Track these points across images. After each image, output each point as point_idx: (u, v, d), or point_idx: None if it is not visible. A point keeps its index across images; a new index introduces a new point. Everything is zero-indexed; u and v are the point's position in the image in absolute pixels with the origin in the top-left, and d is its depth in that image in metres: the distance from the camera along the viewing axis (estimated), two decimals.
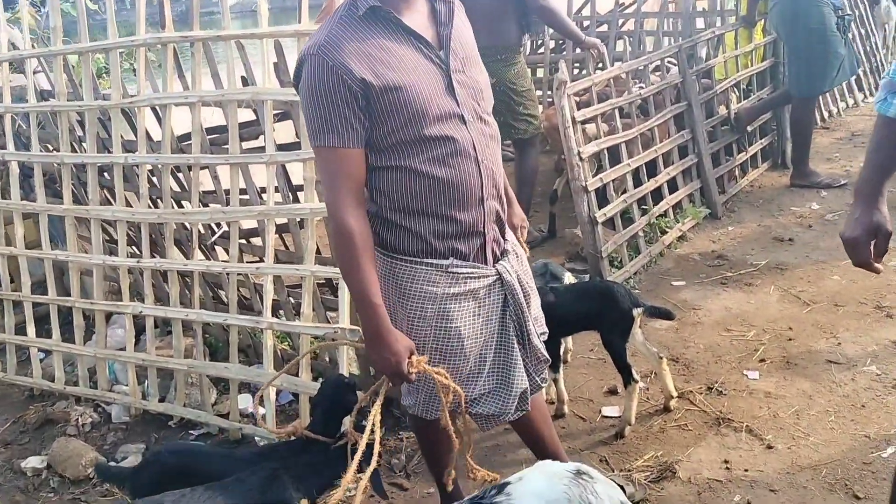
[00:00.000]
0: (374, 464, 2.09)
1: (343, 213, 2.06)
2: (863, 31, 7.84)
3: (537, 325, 2.44)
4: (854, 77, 6.41)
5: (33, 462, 3.49)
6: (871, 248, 1.90)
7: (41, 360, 4.23)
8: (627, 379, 3.18)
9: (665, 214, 5.12)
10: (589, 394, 3.58)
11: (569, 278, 3.66)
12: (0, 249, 4.23)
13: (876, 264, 1.92)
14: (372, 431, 2.12)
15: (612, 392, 3.57)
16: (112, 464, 3.32)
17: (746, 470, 2.95)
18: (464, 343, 2.23)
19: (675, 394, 3.36)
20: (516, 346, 2.32)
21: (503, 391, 2.32)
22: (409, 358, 2.11)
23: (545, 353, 2.41)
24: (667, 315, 3.52)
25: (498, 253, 2.31)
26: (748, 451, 3.06)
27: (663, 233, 5.01)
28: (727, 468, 2.98)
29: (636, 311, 3.21)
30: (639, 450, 3.14)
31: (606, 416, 3.41)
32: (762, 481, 2.88)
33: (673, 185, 5.29)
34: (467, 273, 2.21)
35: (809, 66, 5.55)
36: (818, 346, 3.73)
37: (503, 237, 2.35)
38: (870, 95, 7.92)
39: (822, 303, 4.13)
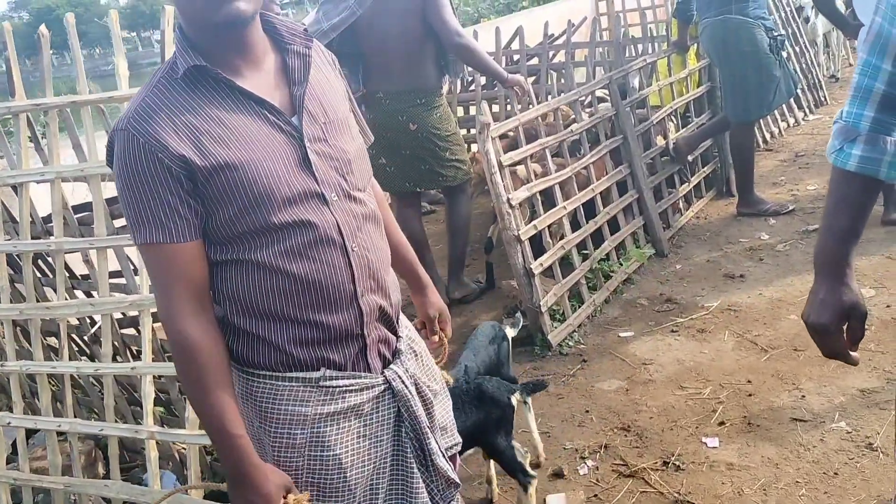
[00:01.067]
0: None
1: (181, 325, 1.61)
2: (797, 49, 7.71)
3: (445, 438, 1.99)
4: (792, 97, 6.18)
5: None
6: (844, 334, 1.50)
7: None
8: (525, 480, 2.73)
9: (608, 258, 4.76)
10: None
11: (514, 333, 3.38)
12: None
13: (852, 354, 1.52)
14: None
15: (559, 475, 3.13)
16: None
17: None
18: (346, 474, 1.76)
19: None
20: (416, 470, 1.85)
21: None
22: (285, 497, 1.66)
23: (454, 475, 1.95)
24: (542, 386, 3.09)
25: (388, 355, 1.86)
26: None
27: (607, 277, 4.64)
28: None
29: (514, 398, 2.79)
30: None
31: None
32: None
33: (614, 225, 4.94)
34: (345, 385, 1.75)
35: (745, 90, 5.30)
36: (781, 402, 3.36)
37: (394, 334, 1.90)
38: (809, 113, 7.78)
39: (780, 348, 3.78)
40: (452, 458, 2.07)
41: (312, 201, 1.69)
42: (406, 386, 1.84)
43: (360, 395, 1.78)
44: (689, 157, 5.75)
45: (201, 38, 1.66)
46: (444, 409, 2.04)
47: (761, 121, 6.69)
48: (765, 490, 2.86)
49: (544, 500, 3.00)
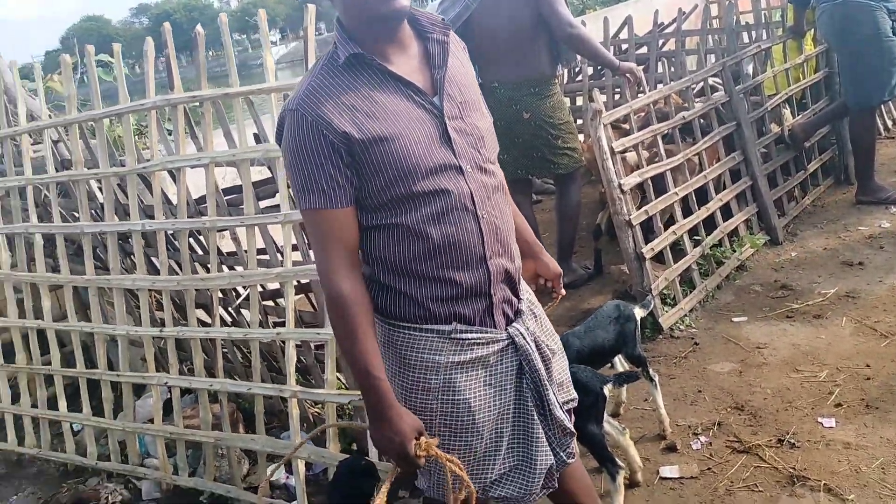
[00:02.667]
0: None
1: (336, 280, 1.86)
2: None
3: (562, 393, 2.17)
4: None
5: None
6: None
7: (74, 435, 4.13)
8: (613, 470, 2.76)
9: (720, 244, 4.76)
10: (644, 451, 3.23)
11: (642, 314, 3.44)
12: (28, 323, 4.17)
13: None
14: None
15: (672, 449, 3.22)
16: None
17: None
18: (475, 416, 1.98)
19: (638, 468, 3.02)
20: (536, 418, 2.04)
21: (525, 469, 2.05)
22: (417, 439, 1.87)
23: (570, 424, 2.13)
24: (633, 377, 3.13)
25: (510, 314, 2.05)
26: None
27: (719, 264, 4.65)
28: None
29: (606, 389, 2.84)
30: None
31: (665, 478, 3.07)
32: None
33: (727, 212, 4.93)
34: (473, 339, 1.96)
35: (865, 75, 5.16)
36: None
37: (517, 297, 2.09)
38: None
39: None
40: (569, 412, 2.24)
41: (450, 172, 1.90)
42: (527, 342, 2.04)
43: (486, 348, 1.98)
44: (806, 144, 5.64)
45: (359, 30, 1.90)
46: (560, 367, 2.22)
47: (882, 107, 6.47)
48: (883, 469, 2.86)
49: (657, 472, 3.11)
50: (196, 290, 3.52)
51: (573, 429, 2.16)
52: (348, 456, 2.67)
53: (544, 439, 2.07)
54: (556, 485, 2.15)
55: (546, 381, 2.07)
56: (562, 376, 2.21)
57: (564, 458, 2.15)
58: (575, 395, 2.27)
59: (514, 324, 2.05)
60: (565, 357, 2.26)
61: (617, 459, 2.83)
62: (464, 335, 1.96)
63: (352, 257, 1.90)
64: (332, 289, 1.87)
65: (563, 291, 2.43)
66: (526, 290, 2.17)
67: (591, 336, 3.15)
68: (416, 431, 1.88)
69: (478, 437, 2.01)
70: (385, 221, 1.90)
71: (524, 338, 2.04)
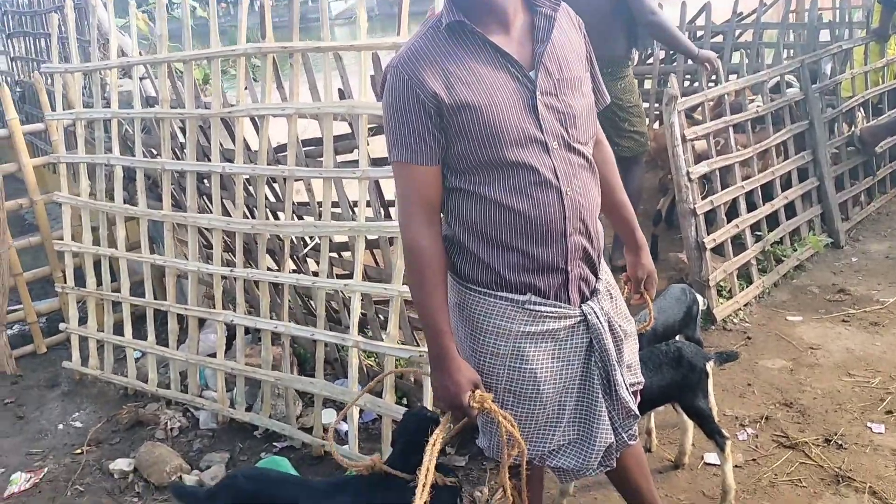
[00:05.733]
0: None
1: (413, 232, 1.93)
2: None
3: (630, 375, 2.21)
4: None
5: (121, 464, 3.53)
6: None
7: (136, 361, 4.31)
8: (721, 441, 2.81)
9: (781, 242, 4.75)
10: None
11: (702, 301, 3.45)
12: (102, 250, 4.34)
13: None
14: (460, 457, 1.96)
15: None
16: (189, 484, 3.31)
17: None
18: (539, 387, 2.03)
19: (687, 452, 3.09)
20: (601, 396, 2.09)
21: (585, 444, 2.11)
22: (472, 391, 1.94)
23: (634, 407, 2.17)
24: (734, 357, 3.16)
25: (586, 292, 2.09)
26: None
27: (779, 262, 4.65)
28: None
29: (709, 365, 2.88)
30: None
31: (709, 464, 3.13)
32: None
33: (791, 210, 4.91)
34: (546, 312, 2.01)
35: None
36: None
37: (594, 275, 2.12)
38: None
39: None
40: (635, 394, 2.29)
41: (535, 146, 1.93)
42: (600, 321, 2.07)
43: (557, 322, 2.03)
44: (877, 150, 5.55)
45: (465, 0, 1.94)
46: (631, 350, 2.26)
47: None
48: None
49: (702, 457, 3.17)
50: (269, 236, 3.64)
51: (637, 412, 2.21)
52: (408, 408, 2.76)
53: (607, 418, 2.12)
54: (614, 464, 2.20)
55: (615, 362, 2.10)
56: (631, 359, 2.24)
57: (626, 438, 2.20)
58: (642, 378, 2.31)
59: (588, 302, 2.08)
60: (636, 341, 2.30)
61: (724, 430, 2.85)
62: (537, 307, 2.01)
63: (432, 214, 1.97)
64: (410, 240, 1.94)
65: (653, 294, 2.46)
66: (605, 271, 2.21)
67: (664, 316, 3.20)
68: (472, 384, 1.94)
69: (540, 407, 2.08)
70: (469, 187, 1.96)
71: (597, 316, 2.07)
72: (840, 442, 3.15)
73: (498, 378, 2.04)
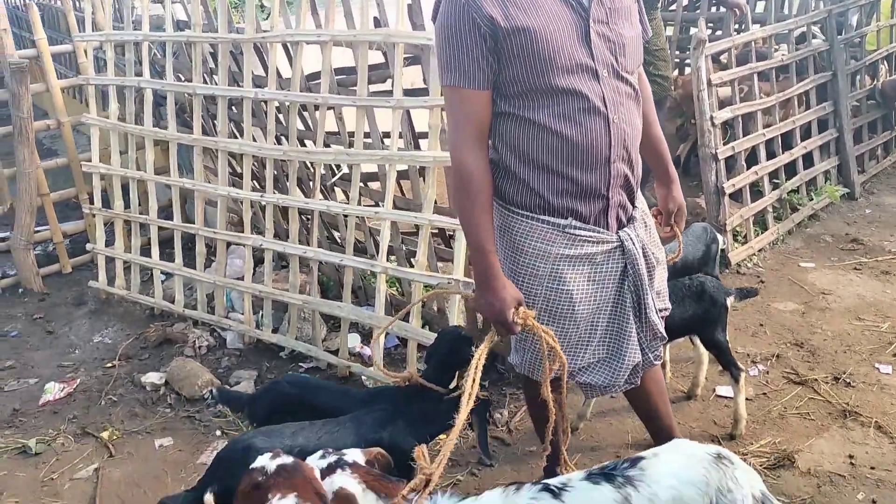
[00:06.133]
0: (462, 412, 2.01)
1: (464, 154, 2.00)
2: None
3: (658, 300, 2.31)
4: None
5: (152, 378, 3.66)
6: None
7: (162, 282, 4.42)
8: (736, 373, 2.94)
9: (797, 191, 4.82)
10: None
11: (722, 241, 3.53)
12: (130, 173, 4.41)
13: None
14: (482, 380, 2.06)
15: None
16: (232, 389, 3.44)
17: (873, 468, 2.77)
18: (574, 307, 2.13)
19: (700, 384, 3.23)
20: (632, 318, 2.19)
21: (613, 362, 2.22)
22: (516, 308, 2.02)
23: (662, 329, 2.28)
24: (753, 293, 3.26)
25: (623, 219, 2.18)
26: (876, 449, 2.87)
27: (794, 210, 4.72)
28: (851, 464, 2.80)
29: (730, 300, 2.98)
30: (755, 434, 3.00)
31: (721, 396, 3.26)
32: (889, 481, 2.70)
33: (808, 160, 4.96)
34: (585, 236, 2.10)
35: None
36: None
37: (632, 203, 2.21)
38: None
39: None
40: (662, 319, 2.39)
41: (586, 74, 1.99)
42: (635, 247, 2.17)
43: (595, 247, 2.12)
44: None
45: None
46: (661, 277, 2.36)
47: None
48: None
49: (714, 390, 3.30)
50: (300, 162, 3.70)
51: (664, 334, 2.32)
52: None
53: (636, 339, 2.23)
54: (639, 382, 2.32)
55: (647, 286, 2.21)
56: (661, 286, 2.35)
57: (651, 358, 2.32)
58: (669, 305, 2.41)
59: (625, 228, 2.17)
60: (666, 269, 2.40)
61: (738, 363, 2.98)
62: (577, 231, 2.10)
63: (481, 137, 2.03)
64: (459, 162, 2.01)
65: (682, 227, 2.53)
66: (641, 201, 2.30)
67: (684, 253, 3.27)
68: (516, 301, 2.03)
69: (573, 326, 2.18)
70: (519, 112, 2.02)
71: (633, 243, 2.17)
72: (848, 380, 3.27)
73: (535, 298, 2.14)
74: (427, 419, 2.34)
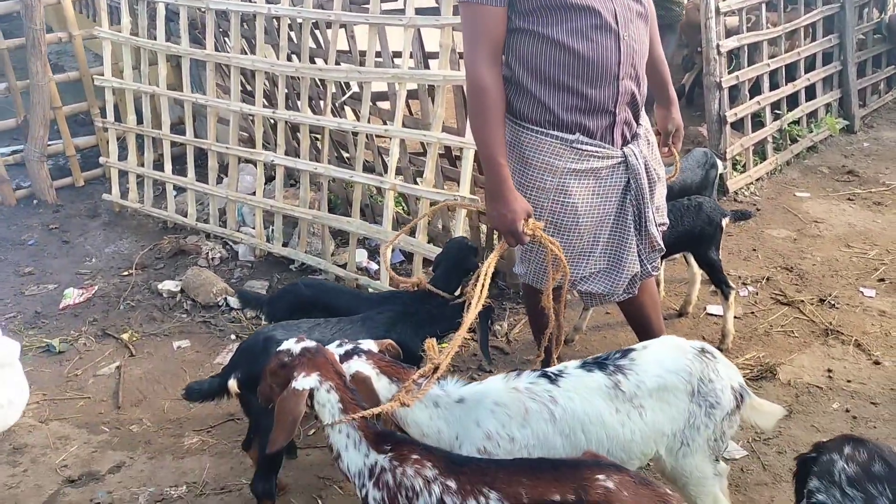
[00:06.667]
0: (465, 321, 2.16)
1: (479, 69, 2.08)
2: None
3: (658, 215, 2.43)
4: None
5: (168, 285, 3.82)
6: None
7: (175, 197, 4.54)
8: (727, 290, 3.11)
9: (798, 122, 4.90)
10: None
11: (721, 167, 3.63)
12: (144, 87, 4.47)
13: None
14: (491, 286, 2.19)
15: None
16: (252, 290, 3.61)
17: (849, 381, 2.95)
18: (579, 220, 2.25)
19: (692, 302, 3.39)
20: (632, 230, 2.32)
21: (613, 272, 2.35)
22: (526, 220, 2.13)
23: (660, 242, 2.41)
24: (748, 215, 3.41)
25: (628, 136, 2.28)
26: (853, 364, 3.05)
27: (794, 141, 4.81)
28: (829, 377, 2.98)
29: (725, 221, 3.11)
30: (741, 349, 3.17)
31: (711, 314, 3.43)
32: (864, 393, 2.88)
33: (811, 93, 5.02)
34: (591, 151, 2.21)
35: None
36: None
37: (636, 121, 2.31)
38: None
39: None
40: (661, 233, 2.52)
41: None
42: (638, 162, 2.28)
43: (601, 162, 2.24)
44: None
45: None
46: (661, 193, 2.48)
47: None
48: None
49: (705, 308, 3.47)
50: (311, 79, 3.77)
51: (662, 246, 2.46)
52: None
53: (635, 250, 2.36)
54: (636, 292, 2.46)
55: (648, 200, 2.33)
56: (660, 201, 2.47)
57: (649, 269, 2.46)
58: (667, 220, 2.54)
59: (629, 145, 2.28)
60: (665, 186, 2.52)
61: (730, 282, 3.13)
62: (584, 146, 2.20)
63: (496, 54, 2.12)
64: (475, 77, 2.10)
65: (679, 148, 2.64)
66: (644, 119, 2.40)
67: (683, 176, 3.39)
68: (526, 213, 2.14)
69: (577, 237, 2.31)
70: (533, 28, 2.10)
71: (636, 158, 2.28)
72: (833, 302, 3.43)
73: (542, 210, 2.26)
74: (434, 321, 2.49)
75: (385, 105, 4.09)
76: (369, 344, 1.95)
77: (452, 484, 1.58)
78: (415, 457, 1.64)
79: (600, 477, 1.51)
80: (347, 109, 4.18)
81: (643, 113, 2.38)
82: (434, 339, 1.95)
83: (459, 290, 2.70)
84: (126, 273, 4.06)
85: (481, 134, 2.14)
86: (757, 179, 4.53)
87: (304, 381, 1.68)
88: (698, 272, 3.34)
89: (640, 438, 1.80)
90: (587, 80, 2.14)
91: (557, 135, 2.20)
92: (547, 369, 1.88)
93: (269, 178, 4.27)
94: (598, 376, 1.81)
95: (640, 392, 1.79)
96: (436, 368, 1.85)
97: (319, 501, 2.48)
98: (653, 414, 1.80)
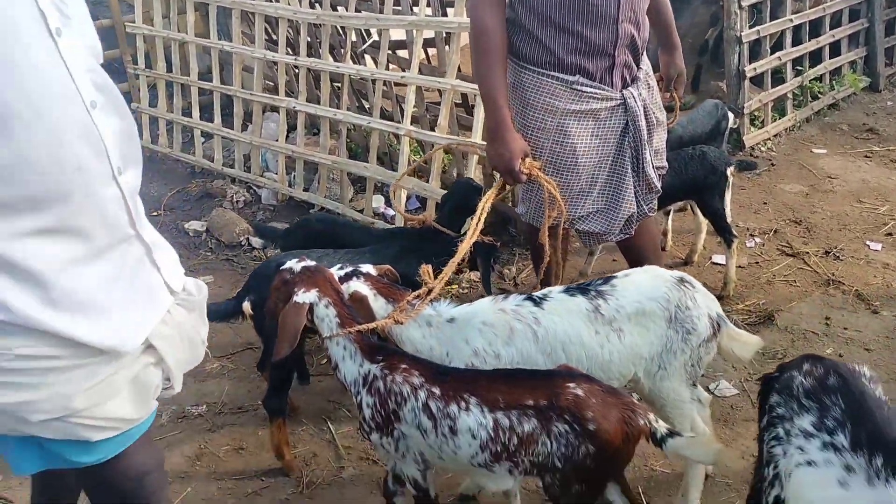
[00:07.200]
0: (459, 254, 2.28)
1: (482, 12, 2.18)
2: None
3: (656, 158, 2.50)
4: None
5: (195, 225, 4.00)
6: None
7: (202, 143, 4.70)
8: (729, 239, 3.18)
9: (820, 79, 4.87)
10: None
11: (732, 120, 3.66)
12: (173, 35, 4.61)
13: None
14: (493, 236, 2.29)
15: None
16: (268, 224, 3.77)
17: (845, 328, 3.02)
18: (577, 160, 2.33)
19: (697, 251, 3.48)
20: (630, 171, 2.39)
21: (610, 212, 2.43)
22: (523, 159, 2.23)
23: (657, 183, 2.48)
24: (752, 166, 3.45)
25: (628, 79, 2.35)
26: (851, 313, 3.11)
27: (815, 98, 4.80)
28: (827, 324, 3.05)
29: (730, 170, 3.16)
30: (742, 296, 3.25)
31: (716, 263, 3.51)
32: (858, 340, 2.95)
33: (835, 51, 4.98)
34: (591, 93, 2.28)
35: None
36: None
37: (636, 64, 2.38)
38: None
39: None
40: (660, 176, 2.59)
41: None
42: (637, 105, 2.35)
43: (600, 103, 2.31)
44: None
45: None
46: (660, 137, 2.55)
47: None
48: None
49: (710, 258, 3.54)
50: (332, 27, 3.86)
51: (659, 187, 2.53)
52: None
53: (632, 190, 2.44)
54: (633, 233, 2.54)
55: (646, 142, 2.40)
56: (659, 145, 2.54)
57: (646, 210, 2.54)
58: (666, 164, 2.61)
59: (629, 88, 2.35)
60: (665, 129, 2.58)
61: (733, 230, 3.21)
62: (584, 88, 2.28)
63: None
64: (478, 21, 2.19)
65: (681, 94, 2.70)
66: (646, 63, 2.46)
67: (693, 126, 3.45)
68: (524, 152, 2.24)
69: (576, 177, 2.40)
70: None
71: (635, 101, 2.35)
72: (838, 255, 3.48)
73: (542, 150, 2.34)
74: (437, 256, 2.60)
75: (403, 54, 4.17)
76: (368, 268, 2.09)
77: (437, 390, 1.72)
78: (403, 366, 1.78)
79: (570, 385, 1.63)
80: (367, 59, 4.27)
81: (644, 57, 2.45)
82: (430, 266, 2.08)
83: (464, 228, 2.82)
84: (155, 213, 4.24)
85: (482, 74, 2.24)
86: (775, 135, 4.54)
87: (303, 296, 1.82)
88: (704, 222, 3.41)
89: (618, 360, 1.91)
90: (588, 22, 2.21)
91: (558, 76, 2.28)
92: (532, 293, 1.99)
93: (292, 127, 4.40)
94: (580, 300, 1.92)
95: (618, 316, 1.90)
96: (429, 291, 1.98)
97: (329, 422, 2.65)
98: (631, 337, 1.91)
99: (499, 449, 1.65)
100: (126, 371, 1.36)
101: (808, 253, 3.51)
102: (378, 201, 4.07)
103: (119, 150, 1.31)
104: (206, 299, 1.57)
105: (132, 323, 1.35)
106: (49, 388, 1.25)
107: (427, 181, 3.57)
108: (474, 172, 3.53)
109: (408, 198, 3.92)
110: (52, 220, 1.21)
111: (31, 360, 1.22)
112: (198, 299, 1.54)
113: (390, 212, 4.03)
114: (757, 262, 3.49)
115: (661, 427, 1.66)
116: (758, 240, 3.65)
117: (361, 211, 3.93)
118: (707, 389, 2.57)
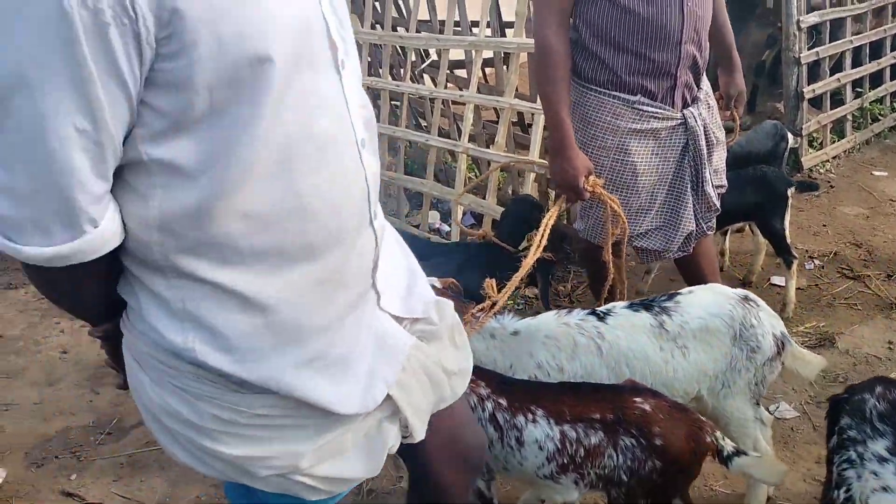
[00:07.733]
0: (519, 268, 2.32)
1: (546, 31, 2.22)
2: None
3: (715, 177, 2.52)
4: None
5: None
6: None
7: None
8: (789, 260, 3.16)
9: (881, 101, 4.80)
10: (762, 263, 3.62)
11: (793, 141, 3.65)
12: None
13: None
14: (551, 254, 2.32)
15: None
16: None
17: None
18: (637, 178, 2.36)
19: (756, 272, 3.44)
20: (689, 190, 2.41)
21: (669, 230, 2.45)
22: (586, 177, 2.25)
23: (717, 202, 2.50)
24: (815, 187, 3.43)
25: (688, 98, 2.38)
26: None
27: (875, 120, 4.73)
28: (890, 348, 3.00)
29: (790, 191, 3.14)
30: (801, 318, 3.21)
31: (774, 285, 3.47)
32: None
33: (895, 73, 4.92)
34: (652, 112, 2.31)
35: None
36: None
37: (697, 84, 2.40)
38: None
39: None
40: (718, 195, 2.60)
41: None
42: (697, 124, 2.37)
43: (661, 123, 2.34)
44: None
45: None
46: (720, 157, 2.56)
47: None
48: None
49: (769, 279, 3.51)
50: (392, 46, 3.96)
51: (718, 206, 2.55)
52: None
53: (692, 208, 2.46)
54: (691, 250, 2.56)
55: (706, 161, 2.42)
56: (718, 164, 2.55)
57: (705, 228, 2.56)
58: (725, 182, 2.62)
59: (690, 107, 2.38)
60: (725, 149, 2.60)
61: (793, 250, 3.20)
62: (645, 107, 2.32)
63: (564, 18, 2.25)
64: (542, 40, 2.24)
65: (741, 112, 2.71)
66: (706, 83, 2.48)
67: (751, 145, 3.46)
68: (587, 170, 2.27)
69: (635, 196, 2.42)
70: None
71: (696, 121, 2.38)
72: None
73: (602, 168, 2.37)
74: (497, 270, 2.65)
75: (461, 73, 4.24)
76: (433, 280, 2.14)
77: (503, 401, 1.76)
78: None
79: (637, 400, 1.65)
80: (426, 78, 4.36)
81: (704, 77, 2.47)
82: (493, 280, 2.12)
83: (524, 244, 2.86)
84: None
85: (547, 92, 2.28)
86: (834, 157, 4.49)
87: None
88: (763, 243, 3.39)
89: (682, 377, 1.92)
90: (651, 44, 2.25)
91: (620, 96, 2.31)
92: (596, 308, 2.02)
93: None
94: (644, 316, 1.94)
95: (683, 332, 1.92)
96: (493, 304, 2.02)
97: None
98: (695, 354, 1.92)
99: (566, 461, 1.68)
100: (358, 426, 1.22)
101: (869, 276, 3.45)
102: (434, 217, 4.13)
103: (376, 193, 1.20)
104: (453, 322, 1.40)
105: (374, 380, 1.21)
106: (282, 444, 1.16)
107: (483, 198, 3.62)
108: (530, 189, 3.57)
109: (463, 213, 3.97)
110: (324, 270, 1.11)
111: (268, 418, 1.15)
112: (440, 327, 1.35)
113: (445, 227, 4.08)
114: (816, 285, 3.45)
115: (728, 445, 1.66)
116: (817, 262, 3.60)
117: (417, 226, 3.99)
118: (767, 411, 2.54)
